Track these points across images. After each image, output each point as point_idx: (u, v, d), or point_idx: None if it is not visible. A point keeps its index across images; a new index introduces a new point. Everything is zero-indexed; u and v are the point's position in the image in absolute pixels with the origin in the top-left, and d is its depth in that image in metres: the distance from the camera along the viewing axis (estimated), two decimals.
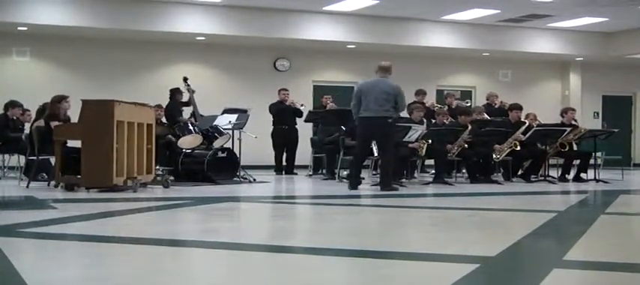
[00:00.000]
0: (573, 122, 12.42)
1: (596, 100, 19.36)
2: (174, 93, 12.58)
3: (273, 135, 13.41)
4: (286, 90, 13.49)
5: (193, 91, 12.16)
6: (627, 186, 11.57)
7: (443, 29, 16.47)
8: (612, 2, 14.13)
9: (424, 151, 11.10)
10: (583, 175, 11.99)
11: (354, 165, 10.02)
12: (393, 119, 9.71)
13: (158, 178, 9.88)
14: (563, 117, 12.43)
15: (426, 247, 4.98)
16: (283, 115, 13.28)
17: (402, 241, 5.37)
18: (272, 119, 13.40)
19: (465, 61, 18.03)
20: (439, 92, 17.38)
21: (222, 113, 12.00)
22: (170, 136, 11.35)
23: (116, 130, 8.65)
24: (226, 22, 14.89)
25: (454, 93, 14.95)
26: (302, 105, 13.47)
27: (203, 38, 15.38)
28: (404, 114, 11.19)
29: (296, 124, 13.45)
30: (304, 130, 13.65)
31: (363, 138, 9.89)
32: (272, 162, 13.62)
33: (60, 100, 9.78)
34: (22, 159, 10.97)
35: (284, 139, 13.35)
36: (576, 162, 12.25)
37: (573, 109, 12.81)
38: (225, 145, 11.41)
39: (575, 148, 12.31)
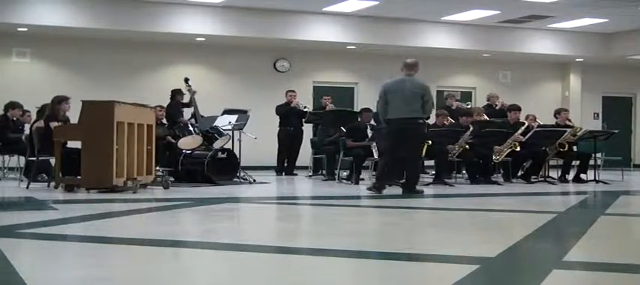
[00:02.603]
0: (567, 122, 12.42)
1: (596, 100, 19.34)
2: (175, 94, 12.58)
3: (279, 136, 13.40)
4: (293, 91, 13.46)
5: (194, 92, 12.19)
6: (627, 187, 11.57)
7: (443, 30, 16.46)
8: (612, 3, 14.12)
9: (424, 152, 11.08)
10: (583, 175, 11.99)
11: (384, 171, 9.17)
12: (423, 120, 9.15)
13: (158, 178, 9.88)
14: (557, 118, 12.44)
15: (427, 248, 4.98)
16: (290, 116, 13.27)
17: (402, 241, 5.37)
18: (279, 120, 13.40)
19: (465, 62, 18.01)
20: (439, 93, 17.39)
21: (222, 114, 12.00)
22: (170, 136, 11.36)
23: (116, 131, 8.64)
24: (226, 22, 14.88)
25: (454, 94, 14.94)
26: (305, 107, 13.47)
27: (203, 39, 15.37)
28: None
29: (302, 125, 13.45)
30: (304, 131, 13.63)
31: (392, 142, 9.03)
32: (272, 163, 13.61)
33: (60, 101, 9.77)
34: (22, 160, 10.96)
35: (290, 141, 13.33)
36: (576, 163, 12.25)
37: (566, 110, 12.84)
38: (225, 146, 11.40)
39: (574, 149, 12.31)
